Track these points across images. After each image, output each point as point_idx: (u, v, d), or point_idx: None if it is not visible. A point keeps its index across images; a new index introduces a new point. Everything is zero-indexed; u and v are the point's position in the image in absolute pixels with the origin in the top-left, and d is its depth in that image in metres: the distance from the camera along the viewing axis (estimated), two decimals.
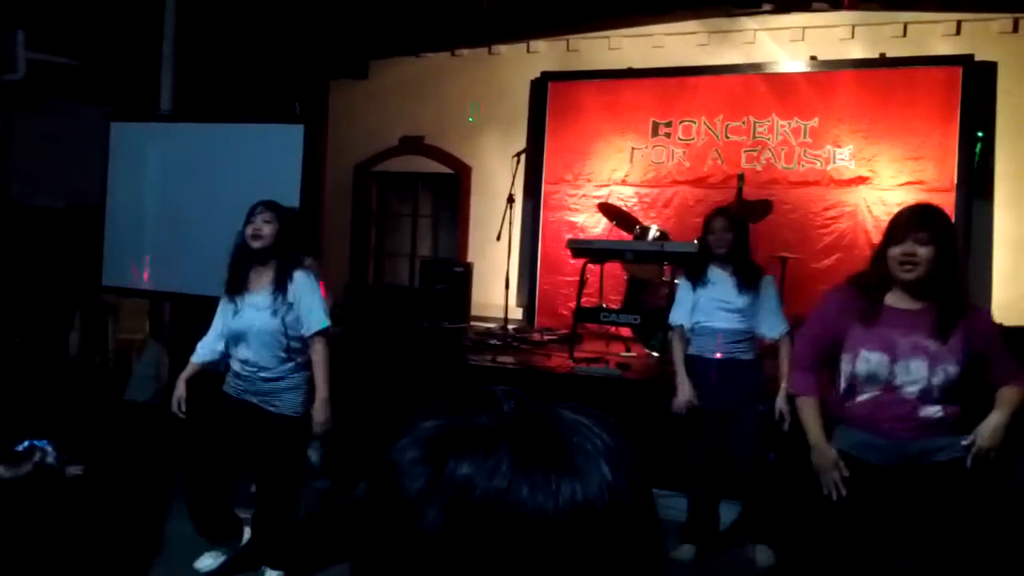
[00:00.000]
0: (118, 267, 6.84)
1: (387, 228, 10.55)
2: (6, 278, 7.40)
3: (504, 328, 7.68)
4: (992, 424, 2.88)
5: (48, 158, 7.77)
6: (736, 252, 4.48)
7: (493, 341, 7.51)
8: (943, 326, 2.84)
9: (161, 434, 3.65)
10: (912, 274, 2.83)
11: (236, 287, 3.92)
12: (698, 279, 4.53)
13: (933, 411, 2.86)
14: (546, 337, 7.89)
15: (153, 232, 6.75)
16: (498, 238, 7.40)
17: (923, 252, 2.80)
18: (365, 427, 5.49)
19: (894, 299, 2.92)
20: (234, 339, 3.94)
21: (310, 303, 3.89)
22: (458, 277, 8.70)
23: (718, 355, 4.46)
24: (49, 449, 1.05)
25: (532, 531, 0.63)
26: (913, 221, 2.85)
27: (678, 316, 4.57)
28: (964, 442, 2.86)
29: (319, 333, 3.91)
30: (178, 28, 7.19)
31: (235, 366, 3.98)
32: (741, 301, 4.41)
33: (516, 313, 8.66)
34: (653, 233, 7.22)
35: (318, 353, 3.93)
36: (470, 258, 9.29)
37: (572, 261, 7.47)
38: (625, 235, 7.65)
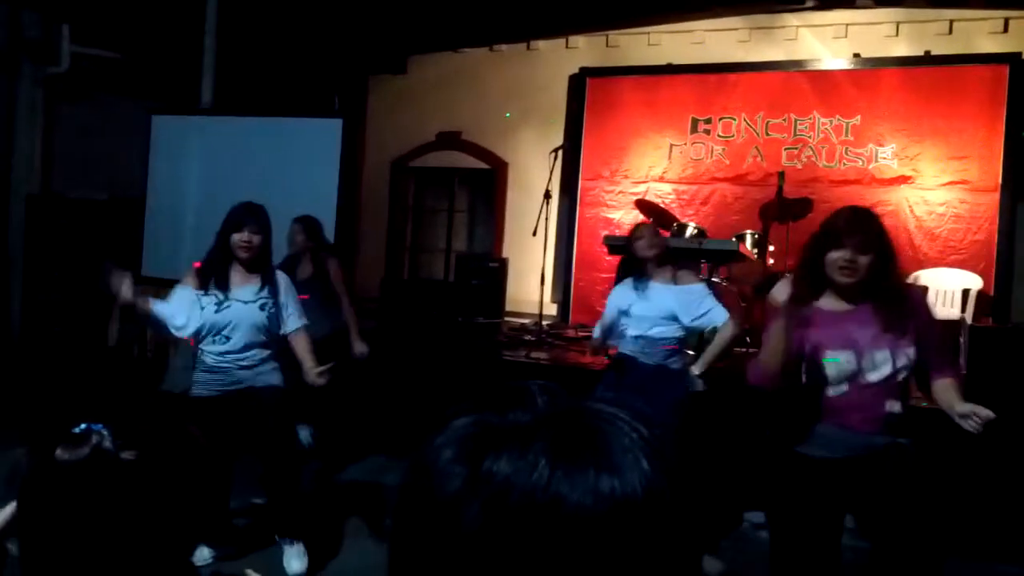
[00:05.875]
0: (157, 258, 6.91)
1: (423, 223, 10.59)
2: (47, 268, 7.50)
3: (539, 324, 7.67)
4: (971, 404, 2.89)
5: (90, 150, 7.87)
6: (665, 255, 4.47)
7: (527, 337, 7.50)
8: (893, 317, 2.89)
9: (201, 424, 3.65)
10: (852, 279, 2.88)
11: (219, 282, 3.97)
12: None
13: (895, 407, 2.89)
14: (581, 333, 7.85)
15: (192, 223, 6.81)
16: (534, 234, 7.39)
17: (862, 259, 2.86)
18: (399, 421, 5.52)
19: (828, 301, 2.97)
20: (217, 333, 3.97)
21: (293, 303, 4.11)
22: (493, 272, 8.70)
23: (644, 359, 4.38)
24: (106, 433, 1.06)
25: (572, 527, 0.62)
26: (851, 227, 2.90)
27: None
28: (962, 410, 2.83)
29: (300, 328, 4.11)
30: (219, 22, 7.25)
31: (209, 360, 3.99)
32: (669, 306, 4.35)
33: (551, 309, 8.65)
34: (691, 230, 7.17)
35: (303, 344, 4.09)
36: (505, 254, 9.29)
37: (608, 258, 7.44)
38: (662, 232, 7.60)
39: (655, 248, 4.42)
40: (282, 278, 4.14)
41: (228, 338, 3.96)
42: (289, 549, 4.14)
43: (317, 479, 5.38)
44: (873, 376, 2.89)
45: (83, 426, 1.06)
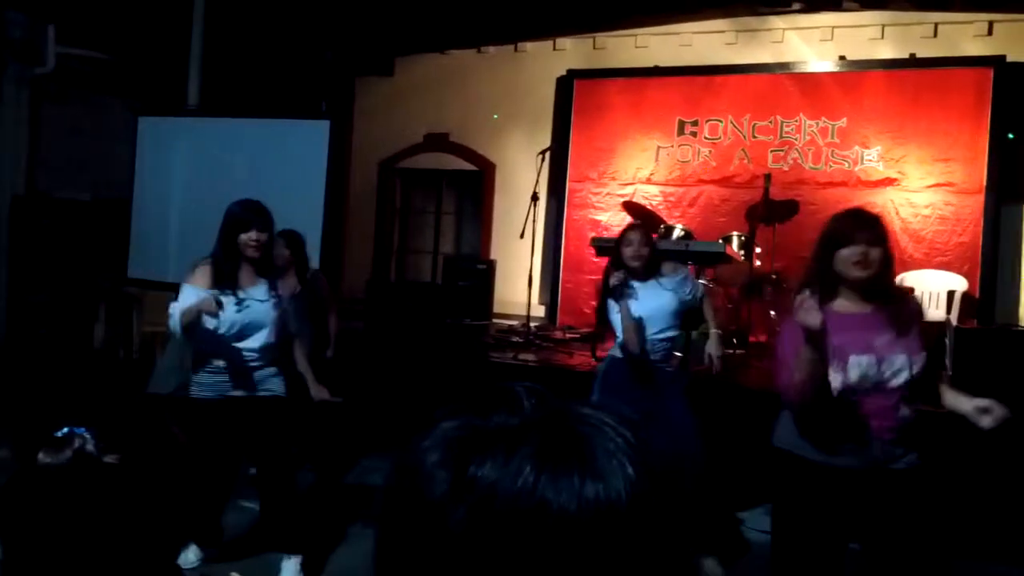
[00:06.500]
0: (143, 259, 6.88)
1: (411, 225, 10.57)
2: (32, 269, 7.46)
3: (526, 326, 7.67)
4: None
5: (76, 151, 7.83)
6: (652, 262, 4.46)
7: (515, 339, 7.50)
8: (902, 322, 2.96)
9: (185, 426, 3.65)
10: (866, 271, 2.92)
11: (231, 282, 3.91)
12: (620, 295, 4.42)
13: (906, 412, 2.94)
14: (568, 335, 7.87)
15: (178, 225, 6.78)
16: (521, 236, 7.39)
17: (874, 252, 2.91)
18: (386, 423, 5.52)
19: (843, 304, 2.99)
20: (236, 332, 3.92)
21: (292, 304, 4.22)
22: (481, 274, 8.70)
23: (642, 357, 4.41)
24: (88, 437, 1.05)
25: (557, 531, 0.62)
26: (860, 223, 2.98)
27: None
28: (982, 406, 2.89)
29: (299, 332, 4.26)
30: (206, 23, 7.23)
31: (221, 361, 3.95)
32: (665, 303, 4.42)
33: (538, 311, 8.65)
34: (678, 232, 7.20)
35: (302, 354, 4.22)
36: (493, 255, 9.29)
37: (595, 259, 7.45)
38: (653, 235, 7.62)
39: (639, 260, 4.39)
40: (288, 283, 4.26)
41: (247, 337, 3.92)
42: (287, 563, 4.10)
43: (308, 482, 5.37)
44: (893, 382, 2.91)
45: (66, 430, 1.05)
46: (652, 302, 4.39)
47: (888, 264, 2.97)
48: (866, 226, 2.96)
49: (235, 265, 3.92)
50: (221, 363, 3.94)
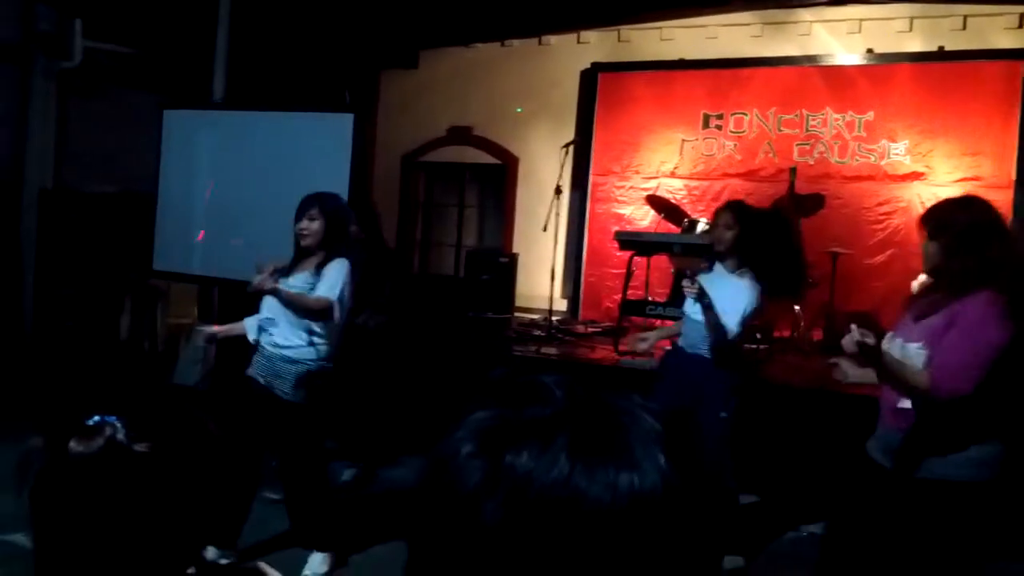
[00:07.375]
0: (169, 252, 6.92)
1: (433, 218, 10.58)
2: (59, 262, 7.53)
3: (548, 319, 7.66)
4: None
5: (102, 145, 7.88)
6: (739, 249, 4.13)
7: (537, 332, 7.50)
8: (924, 308, 2.79)
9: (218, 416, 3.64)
10: (925, 268, 2.87)
11: (284, 272, 4.04)
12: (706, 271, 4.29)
13: (906, 403, 2.77)
14: (590, 329, 7.86)
15: (203, 218, 6.81)
16: (544, 229, 7.38)
17: (927, 248, 2.81)
18: (409, 416, 5.52)
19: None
20: (266, 316, 4.04)
21: (330, 278, 3.92)
22: (503, 268, 8.70)
23: (688, 349, 4.21)
24: (119, 425, 1.06)
25: (591, 522, 0.62)
26: (924, 215, 2.89)
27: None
28: None
29: (324, 298, 3.94)
30: (232, 17, 7.25)
31: (263, 342, 4.06)
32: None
33: (561, 305, 8.64)
34: (701, 226, 7.14)
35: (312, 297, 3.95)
36: (516, 249, 9.29)
37: (619, 253, 7.43)
38: (673, 228, 7.59)
39: (721, 244, 4.15)
40: (336, 262, 3.96)
41: (272, 320, 4.01)
42: (313, 557, 4.10)
43: (356, 485, 5.36)
44: None
45: (97, 418, 1.06)
46: (708, 286, 4.16)
47: (953, 258, 2.72)
48: (925, 219, 2.85)
49: (296, 256, 4.06)
50: (261, 343, 4.06)
